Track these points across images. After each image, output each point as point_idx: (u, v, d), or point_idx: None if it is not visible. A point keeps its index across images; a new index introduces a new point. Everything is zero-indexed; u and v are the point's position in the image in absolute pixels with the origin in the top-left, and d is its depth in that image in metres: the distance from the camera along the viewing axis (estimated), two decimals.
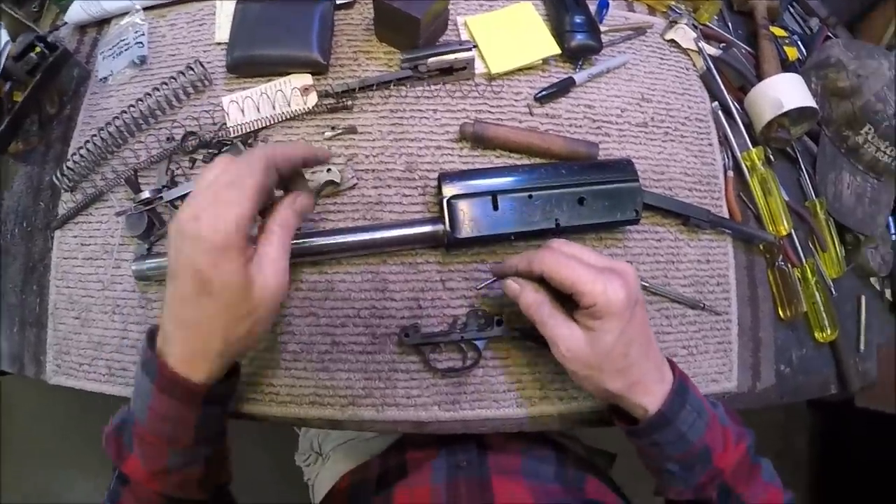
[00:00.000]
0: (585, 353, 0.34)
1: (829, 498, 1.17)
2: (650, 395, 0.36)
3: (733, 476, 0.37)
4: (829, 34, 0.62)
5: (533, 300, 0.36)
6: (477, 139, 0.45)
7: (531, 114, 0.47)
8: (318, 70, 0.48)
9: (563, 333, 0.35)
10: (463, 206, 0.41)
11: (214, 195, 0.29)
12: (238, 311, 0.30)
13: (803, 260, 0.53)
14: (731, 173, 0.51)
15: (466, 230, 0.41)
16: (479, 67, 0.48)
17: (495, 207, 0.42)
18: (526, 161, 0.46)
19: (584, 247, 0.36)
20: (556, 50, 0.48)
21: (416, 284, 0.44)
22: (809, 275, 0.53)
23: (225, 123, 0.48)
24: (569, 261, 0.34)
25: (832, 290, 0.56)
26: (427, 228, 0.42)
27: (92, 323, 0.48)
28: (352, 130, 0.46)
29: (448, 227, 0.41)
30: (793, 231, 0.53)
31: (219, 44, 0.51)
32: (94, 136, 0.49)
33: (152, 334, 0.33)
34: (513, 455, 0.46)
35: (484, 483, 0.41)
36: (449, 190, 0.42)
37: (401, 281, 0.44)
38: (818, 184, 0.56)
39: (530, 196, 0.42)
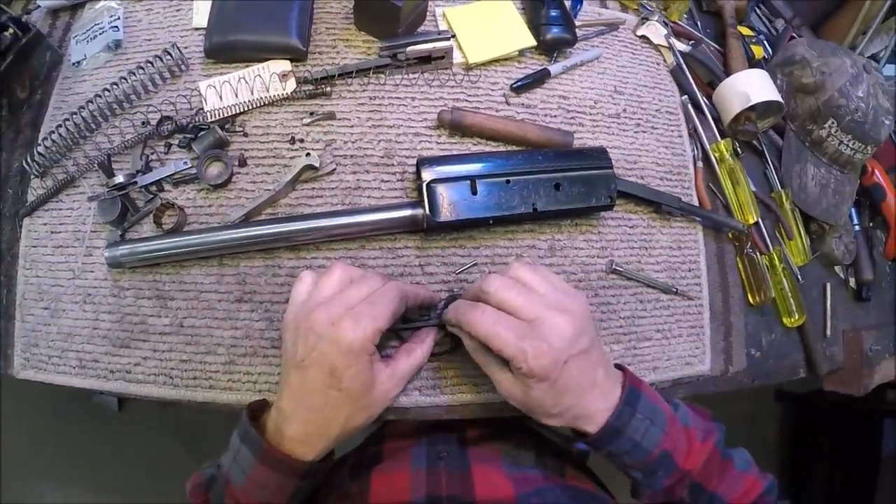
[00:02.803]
0: (520, 398, 0.36)
1: (799, 484, 1.20)
2: (593, 419, 0.36)
3: (703, 475, 0.38)
4: (794, 34, 0.65)
5: (469, 346, 0.38)
6: (454, 126, 0.46)
7: (507, 103, 0.48)
8: (297, 56, 0.48)
9: (498, 378, 0.36)
10: (442, 191, 0.42)
11: (350, 306, 0.34)
12: (360, 404, 0.35)
13: (770, 248, 0.55)
14: (700, 164, 0.53)
15: (446, 214, 0.42)
16: (457, 57, 0.48)
17: (474, 192, 0.42)
18: (503, 148, 0.47)
19: (528, 275, 0.35)
20: (532, 42, 0.49)
21: (395, 269, 0.44)
22: (777, 262, 0.55)
23: (202, 108, 0.48)
24: (494, 324, 0.33)
25: (799, 277, 0.58)
26: (407, 212, 0.42)
27: (62, 313, 0.46)
28: (330, 116, 0.46)
29: (427, 211, 0.42)
30: (760, 220, 0.55)
31: (196, 29, 0.51)
32: (67, 120, 0.48)
33: (253, 409, 0.37)
34: (493, 445, 0.46)
35: (464, 472, 0.41)
36: (428, 174, 0.42)
37: (380, 266, 0.44)
38: (783, 175, 0.58)
39: (508, 181, 0.43)
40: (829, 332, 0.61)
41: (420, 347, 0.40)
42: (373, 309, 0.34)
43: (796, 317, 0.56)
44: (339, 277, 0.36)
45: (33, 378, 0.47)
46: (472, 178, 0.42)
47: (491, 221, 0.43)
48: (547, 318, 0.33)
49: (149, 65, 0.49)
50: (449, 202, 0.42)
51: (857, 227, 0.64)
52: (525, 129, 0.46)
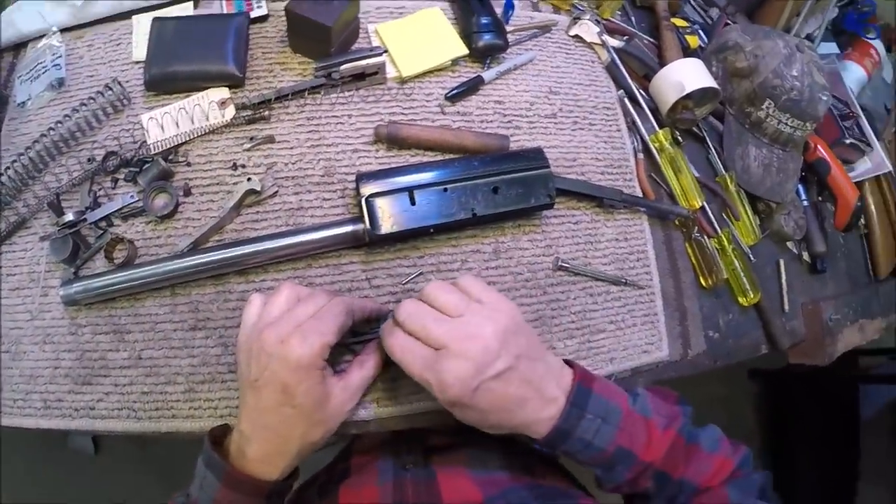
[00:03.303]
0: (454, 416, 0.37)
1: (782, 460, 1.22)
2: (537, 427, 0.36)
3: (667, 463, 0.38)
4: (729, 21, 0.67)
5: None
6: (391, 140, 0.47)
7: (443, 113, 0.49)
8: (234, 83, 0.49)
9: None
10: (381, 204, 0.43)
11: (298, 324, 0.35)
12: (315, 419, 0.36)
13: (718, 230, 0.57)
14: (640, 155, 0.55)
15: (386, 226, 0.43)
16: (391, 72, 0.49)
17: (413, 202, 0.43)
18: (440, 157, 0.48)
19: (443, 297, 0.35)
20: (464, 50, 0.50)
21: (342, 285, 0.45)
22: (726, 244, 0.57)
23: (145, 141, 0.49)
24: (403, 353, 0.35)
25: (750, 256, 0.60)
26: (348, 228, 0.43)
27: (23, 356, 0.46)
28: (270, 140, 0.47)
29: (368, 225, 0.43)
30: (706, 204, 0.57)
31: (136, 62, 0.52)
32: (14, 161, 0.48)
33: (214, 435, 0.38)
34: (458, 451, 0.47)
35: (430, 481, 0.42)
36: (367, 189, 0.43)
37: (327, 282, 0.45)
38: (726, 159, 0.60)
39: (446, 189, 0.44)
40: (787, 307, 0.63)
41: (371, 359, 0.41)
42: (319, 325, 0.35)
43: (751, 295, 0.58)
44: (287, 297, 0.37)
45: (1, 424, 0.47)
46: (410, 189, 0.43)
47: (432, 230, 0.44)
48: (453, 348, 0.33)
49: (91, 101, 0.50)
50: (388, 215, 0.43)
51: (805, 203, 0.66)
52: (461, 136, 0.47)
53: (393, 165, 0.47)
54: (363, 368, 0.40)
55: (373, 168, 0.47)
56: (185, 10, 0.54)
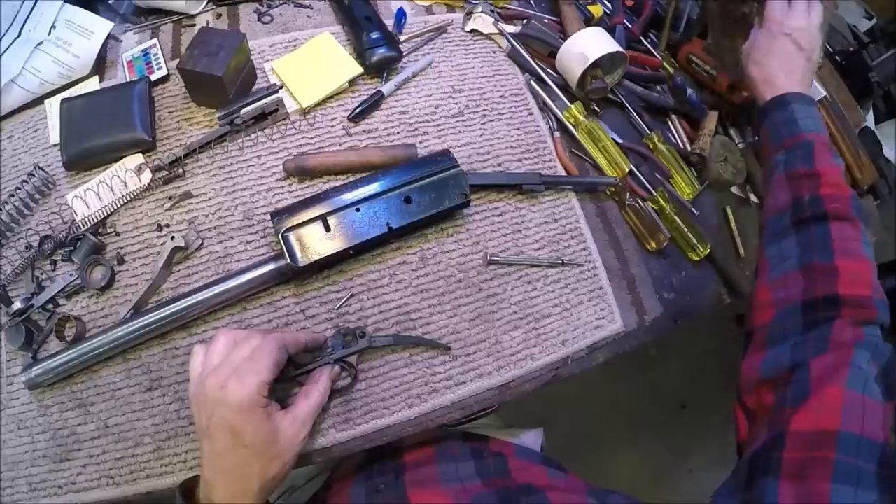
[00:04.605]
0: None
1: None
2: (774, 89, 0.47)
3: (830, 197, 0.40)
4: None
5: None
6: (300, 172, 0.47)
7: (349, 134, 0.50)
8: (146, 147, 0.51)
9: None
10: (297, 236, 0.44)
11: (234, 368, 0.36)
12: (269, 454, 0.37)
13: (654, 191, 0.57)
14: (557, 134, 0.55)
15: (305, 258, 0.44)
16: (292, 105, 0.50)
17: (328, 229, 0.44)
18: (352, 179, 0.48)
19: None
20: (359, 69, 0.51)
21: (278, 321, 0.46)
22: (663, 203, 0.56)
23: (74, 219, 0.50)
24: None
25: (693, 210, 0.59)
26: (271, 266, 0.44)
27: (2, 445, 0.48)
28: (188, 196, 0.48)
29: (289, 260, 0.43)
30: (634, 168, 0.56)
31: (55, 145, 0.53)
32: None
33: (185, 488, 0.39)
34: (429, 465, 0.47)
35: (401, 501, 0.43)
36: (282, 225, 0.44)
37: (264, 321, 0.46)
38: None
39: (358, 209, 0.45)
40: (742, 252, 0.62)
41: (315, 388, 0.42)
42: (254, 365, 0.37)
43: (700, 249, 0.57)
44: (224, 343, 0.38)
45: None
46: (323, 217, 0.44)
47: (351, 252, 0.44)
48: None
49: (18, 190, 0.51)
50: (306, 245, 0.44)
51: (741, 145, 0.65)
52: (367, 154, 0.48)
53: (306, 196, 0.47)
54: (308, 398, 0.41)
55: (287, 202, 0.48)
56: (92, 85, 0.55)
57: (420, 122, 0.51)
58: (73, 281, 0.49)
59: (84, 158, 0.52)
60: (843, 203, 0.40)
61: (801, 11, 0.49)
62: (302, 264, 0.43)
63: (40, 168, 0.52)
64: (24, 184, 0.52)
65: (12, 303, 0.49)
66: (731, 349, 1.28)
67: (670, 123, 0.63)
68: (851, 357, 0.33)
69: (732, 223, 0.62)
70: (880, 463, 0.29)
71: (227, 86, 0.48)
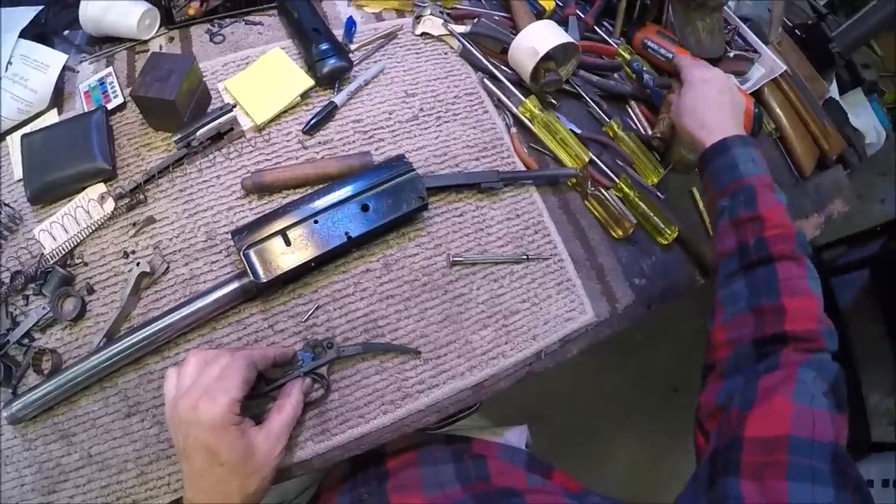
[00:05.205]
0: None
1: None
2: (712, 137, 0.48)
3: (774, 238, 0.42)
4: None
5: None
6: (258, 189, 0.48)
7: (305, 147, 0.50)
8: (107, 176, 0.51)
9: None
10: (258, 252, 0.44)
11: (205, 388, 0.37)
12: (245, 470, 0.38)
13: (616, 179, 0.57)
14: (514, 130, 0.55)
15: (266, 273, 0.44)
16: (247, 123, 0.51)
17: (287, 243, 0.45)
18: (311, 191, 0.49)
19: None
20: (310, 82, 0.51)
21: (248, 338, 0.46)
22: (627, 190, 0.57)
23: (42, 253, 0.51)
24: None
25: (658, 194, 0.60)
26: (235, 284, 0.45)
27: None
28: (151, 221, 0.49)
29: (251, 276, 0.44)
30: (595, 158, 0.57)
31: (19, 181, 0.54)
32: None
33: None
34: (411, 470, 0.47)
35: None
36: (242, 243, 0.45)
37: (234, 339, 0.46)
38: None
39: (316, 221, 0.45)
40: (712, 232, 0.62)
41: (288, 402, 0.42)
42: (224, 383, 0.37)
43: (668, 232, 0.58)
44: (194, 365, 0.39)
45: None
46: (282, 231, 0.44)
47: (313, 264, 0.45)
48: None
49: None
50: (267, 261, 0.44)
51: None
52: (322, 165, 0.48)
53: (266, 212, 0.48)
54: (281, 412, 0.42)
55: (248, 220, 0.48)
56: (51, 118, 0.56)
57: (375, 130, 0.52)
58: (45, 314, 0.50)
59: (47, 192, 0.52)
60: (787, 242, 0.42)
61: (707, 65, 0.56)
62: (265, 280, 0.44)
63: (6, 204, 0.52)
64: None
65: None
66: None
67: (629, 110, 0.63)
68: (797, 374, 0.35)
69: (700, 204, 0.63)
70: (833, 460, 0.30)
71: (180, 109, 0.48)
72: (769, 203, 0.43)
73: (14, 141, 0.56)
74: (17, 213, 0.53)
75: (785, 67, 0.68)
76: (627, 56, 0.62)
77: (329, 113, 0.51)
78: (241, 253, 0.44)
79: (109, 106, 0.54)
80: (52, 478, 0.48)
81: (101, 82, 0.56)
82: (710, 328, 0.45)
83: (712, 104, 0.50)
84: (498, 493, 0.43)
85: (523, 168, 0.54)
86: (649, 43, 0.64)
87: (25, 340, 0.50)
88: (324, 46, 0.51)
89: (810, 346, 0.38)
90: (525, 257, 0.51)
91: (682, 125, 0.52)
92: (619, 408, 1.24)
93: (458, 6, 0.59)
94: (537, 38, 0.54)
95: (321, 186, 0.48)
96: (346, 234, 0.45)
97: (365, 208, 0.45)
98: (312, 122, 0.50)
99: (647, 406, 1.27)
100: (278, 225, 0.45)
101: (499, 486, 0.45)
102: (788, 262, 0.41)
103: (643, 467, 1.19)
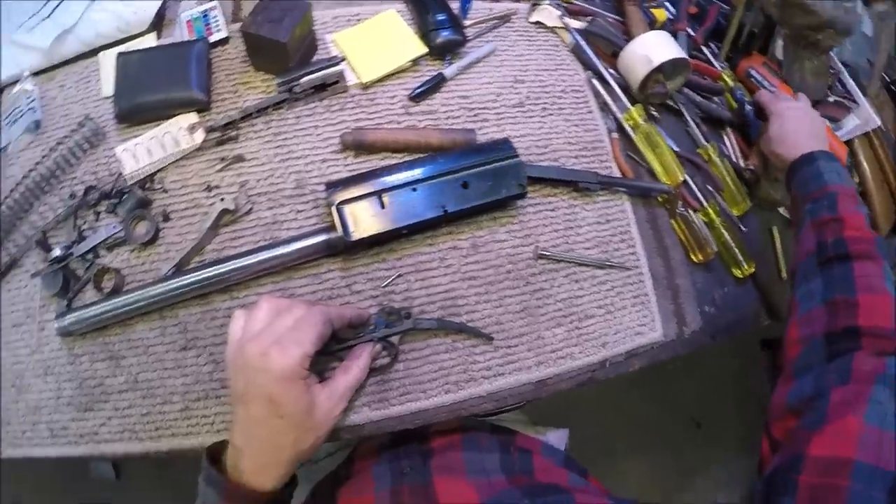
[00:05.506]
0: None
1: None
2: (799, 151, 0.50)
3: (853, 239, 0.42)
4: None
5: None
6: (358, 146, 0.47)
7: (408, 113, 0.49)
8: (201, 107, 0.50)
9: None
10: (351, 210, 0.43)
11: (277, 337, 0.36)
12: (304, 427, 0.37)
13: (704, 203, 0.56)
14: (615, 135, 0.54)
15: (358, 232, 0.43)
16: (352, 79, 0.50)
17: (382, 206, 0.44)
18: (409, 158, 0.48)
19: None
20: (423, 50, 0.50)
21: (322, 293, 0.45)
22: (713, 216, 0.56)
23: (121, 173, 0.50)
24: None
25: (741, 226, 0.58)
26: (322, 237, 0.44)
27: (27, 388, 0.48)
28: (240, 159, 0.48)
29: (341, 233, 0.43)
30: (688, 178, 0.55)
31: (107, 97, 0.53)
32: (0, 205, 0.50)
33: (212, 451, 0.39)
34: (455, 452, 0.46)
35: (427, 487, 0.42)
36: (336, 197, 0.43)
37: (308, 292, 0.45)
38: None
39: (415, 189, 0.44)
40: (784, 275, 0.61)
41: (355, 364, 0.41)
42: (298, 335, 0.36)
43: (745, 267, 0.56)
44: (267, 311, 0.38)
45: (12, 455, 0.49)
46: (378, 193, 0.43)
47: (405, 231, 0.44)
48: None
49: (67, 139, 0.51)
50: (360, 220, 0.43)
51: None
52: (426, 134, 0.47)
53: (362, 171, 0.47)
54: (347, 374, 0.41)
55: (343, 176, 0.47)
56: (148, 41, 0.55)
57: (480, 109, 0.51)
58: (115, 233, 0.49)
59: (137, 113, 0.51)
60: (866, 243, 0.42)
61: (790, 96, 0.58)
62: (354, 239, 0.43)
63: (90, 119, 0.51)
64: (73, 133, 0.51)
65: (52, 249, 0.49)
66: (752, 373, 1.28)
67: (725, 137, 0.62)
68: (871, 392, 0.34)
69: (777, 244, 0.62)
70: (891, 492, 0.29)
71: (289, 53, 0.47)
72: (850, 209, 0.44)
73: (107, 58, 0.55)
74: (101, 129, 0.52)
75: (879, 123, 0.66)
76: (731, 83, 0.61)
77: (437, 84, 0.50)
78: (334, 207, 0.43)
79: (211, 39, 0.53)
80: (91, 396, 0.47)
81: (205, 14, 0.55)
82: (786, 328, 0.44)
83: (800, 128, 0.53)
84: (544, 488, 0.42)
85: (619, 175, 0.53)
86: (754, 73, 0.63)
87: (90, 256, 0.49)
88: (440, 17, 0.50)
89: (883, 346, 0.37)
90: (608, 263, 0.50)
91: (771, 153, 0.54)
92: (638, 432, 1.22)
93: (575, 1, 0.58)
94: (653, 48, 0.53)
95: (421, 156, 0.47)
96: (444, 207, 0.44)
97: (465, 185, 0.44)
98: (420, 90, 0.49)
99: (667, 436, 1.25)
100: (375, 186, 0.44)
101: (543, 481, 0.44)
102: (866, 261, 0.41)
103: (650, 498, 1.17)
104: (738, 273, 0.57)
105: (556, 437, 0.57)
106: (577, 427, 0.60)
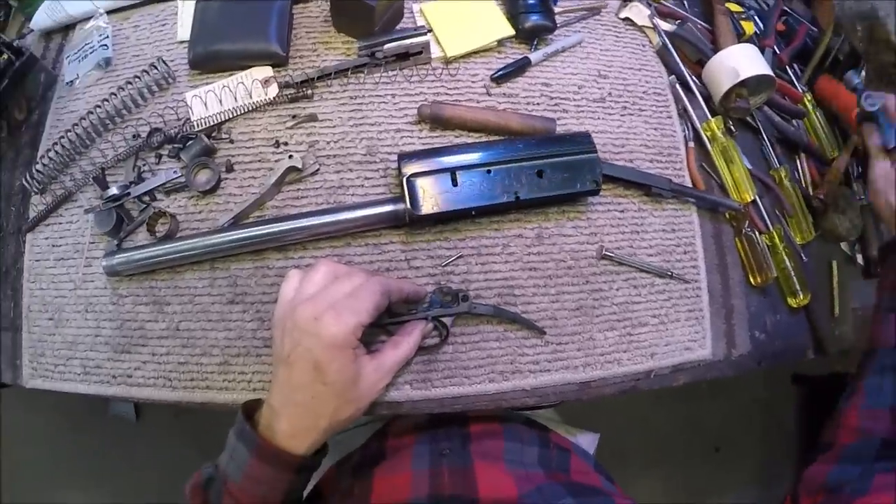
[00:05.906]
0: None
1: None
2: None
3: None
4: (786, 8, 0.63)
5: None
6: (435, 120, 0.46)
7: (489, 94, 0.48)
8: (278, 62, 0.49)
9: None
10: (423, 184, 0.42)
11: (332, 302, 0.35)
12: (346, 397, 0.36)
13: (770, 226, 0.54)
14: (692, 144, 0.52)
15: (427, 207, 0.42)
16: (436, 52, 0.48)
17: (455, 183, 0.42)
18: (485, 139, 0.47)
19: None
20: (511, 31, 0.49)
21: (381, 265, 0.44)
22: (777, 241, 0.54)
23: (189, 118, 0.49)
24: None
25: (802, 255, 0.57)
26: (389, 207, 0.43)
27: (65, 323, 0.48)
28: (312, 118, 0.47)
29: (409, 205, 0.42)
30: (758, 198, 0.54)
31: (181, 42, 0.52)
32: (62, 137, 0.50)
33: (248, 408, 0.38)
34: (494, 440, 0.46)
35: (467, 469, 0.41)
36: (408, 169, 0.42)
37: (366, 262, 0.44)
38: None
39: (489, 171, 0.43)
40: (837, 311, 0.59)
41: (406, 340, 0.40)
42: (355, 303, 0.35)
43: (801, 296, 0.54)
44: (324, 274, 0.37)
45: (41, 387, 0.48)
46: (452, 170, 0.42)
47: (473, 213, 0.42)
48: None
49: (137, 79, 0.50)
50: (430, 195, 0.42)
51: (862, 202, 0.62)
52: (506, 117, 0.46)
53: (436, 146, 0.46)
54: (397, 349, 0.40)
55: (415, 148, 0.46)
56: None
57: (561, 99, 0.49)
58: (175, 178, 0.48)
59: (211, 60, 0.50)
60: None
61: None
62: (422, 213, 0.41)
63: (163, 61, 0.51)
64: (143, 73, 0.50)
65: (109, 187, 0.48)
66: (779, 405, 1.26)
67: (798, 161, 0.60)
68: None
69: (835, 279, 0.59)
70: None
71: (376, 17, 0.46)
72: None
73: (186, 3, 0.54)
74: (172, 73, 0.51)
75: None
76: (811, 106, 0.59)
77: (520, 68, 0.48)
78: (406, 179, 0.42)
79: None
80: (130, 338, 0.46)
81: None
82: (843, 408, 0.43)
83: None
84: (585, 489, 0.41)
85: (690, 185, 0.51)
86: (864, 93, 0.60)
87: (146, 198, 0.49)
88: (532, 1, 0.49)
89: None
90: (669, 274, 0.48)
91: (874, 201, 0.50)
92: (656, 447, 1.20)
93: (665, 3, 0.56)
94: (740, 61, 0.51)
95: (498, 138, 0.46)
96: (516, 193, 0.42)
97: (540, 174, 0.43)
98: (503, 71, 0.48)
99: (684, 455, 1.23)
100: (449, 162, 0.42)
101: (580, 482, 0.43)
102: None
103: None
104: (792, 302, 0.55)
105: (587, 441, 0.56)
106: (596, 430, 0.59)
